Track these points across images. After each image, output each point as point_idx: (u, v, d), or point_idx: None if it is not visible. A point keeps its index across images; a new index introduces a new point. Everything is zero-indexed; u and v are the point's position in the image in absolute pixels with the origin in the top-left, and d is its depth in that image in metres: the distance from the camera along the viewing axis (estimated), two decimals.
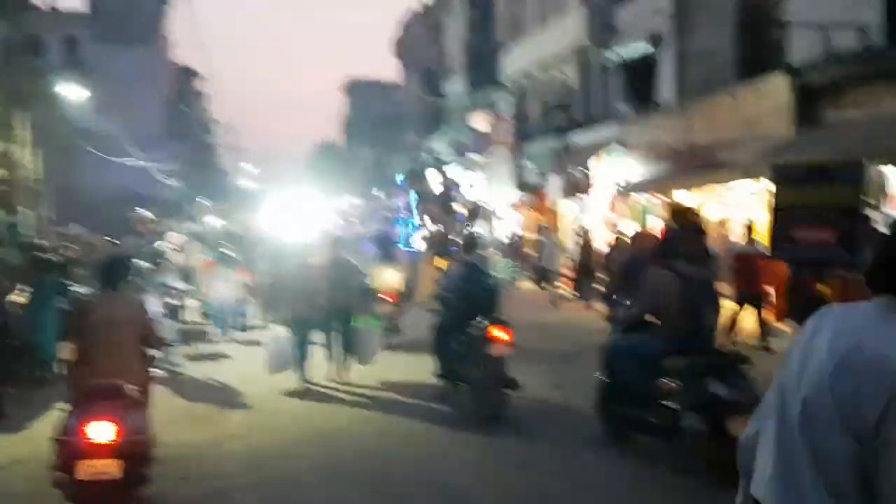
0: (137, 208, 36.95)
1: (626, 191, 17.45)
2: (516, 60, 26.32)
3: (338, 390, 9.14)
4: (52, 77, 20.55)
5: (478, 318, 7.62)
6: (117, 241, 17.58)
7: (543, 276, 20.15)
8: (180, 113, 48.54)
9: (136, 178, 37.59)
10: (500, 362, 7.39)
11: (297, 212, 28.43)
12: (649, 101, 19.65)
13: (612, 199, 18.89)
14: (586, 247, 18.56)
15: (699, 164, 14.93)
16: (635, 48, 19.51)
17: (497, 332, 7.43)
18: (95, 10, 43.63)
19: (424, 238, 17.10)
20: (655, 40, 18.46)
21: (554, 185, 20.65)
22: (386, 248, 13.63)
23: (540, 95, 25.45)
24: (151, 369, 5.85)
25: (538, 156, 23.37)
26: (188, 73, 52.29)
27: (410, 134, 43.64)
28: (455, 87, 34.45)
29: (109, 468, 4.74)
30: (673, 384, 5.73)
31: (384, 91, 56.47)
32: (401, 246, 18.19)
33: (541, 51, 24.15)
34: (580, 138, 21.27)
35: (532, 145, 24.34)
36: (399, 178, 18.30)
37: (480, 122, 29.06)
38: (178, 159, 42.99)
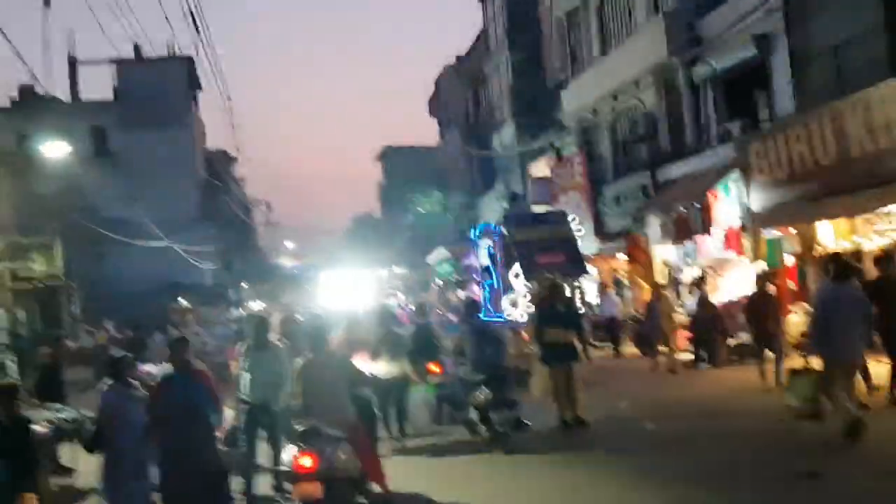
0: (179, 298, 35.14)
1: (754, 224, 14.04)
2: (578, 95, 23.37)
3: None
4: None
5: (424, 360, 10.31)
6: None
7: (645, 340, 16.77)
8: (215, 195, 46.56)
9: (172, 265, 35.28)
10: (437, 386, 10.30)
11: (345, 287, 25.87)
12: (756, 114, 16.48)
13: (732, 237, 15.47)
14: (703, 300, 15.19)
15: (859, 180, 11.54)
16: (733, 56, 16.41)
17: (433, 368, 10.24)
18: (122, 98, 42.14)
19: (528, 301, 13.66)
20: (762, 42, 15.33)
21: (653, 228, 17.29)
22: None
23: (612, 130, 22.34)
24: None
25: (622, 197, 20.11)
26: (221, 155, 50.57)
27: (457, 195, 40.85)
28: (504, 137, 31.64)
29: (312, 491, 6.10)
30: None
31: (420, 155, 54.16)
32: (481, 316, 14.90)
33: (609, 79, 21.15)
34: (674, 170, 18.00)
35: (611, 187, 21.11)
36: (475, 231, 14.88)
37: (542, 169, 25.96)
38: (215, 243, 40.72)
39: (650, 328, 15.15)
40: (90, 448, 6.46)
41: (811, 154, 12.74)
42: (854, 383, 7.95)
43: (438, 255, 31.24)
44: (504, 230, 13.91)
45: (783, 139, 13.53)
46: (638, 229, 18.47)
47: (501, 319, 13.73)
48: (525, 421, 8.65)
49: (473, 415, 9.04)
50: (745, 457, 7.60)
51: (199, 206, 42.07)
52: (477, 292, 16.53)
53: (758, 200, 14.31)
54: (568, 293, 11.75)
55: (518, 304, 13.41)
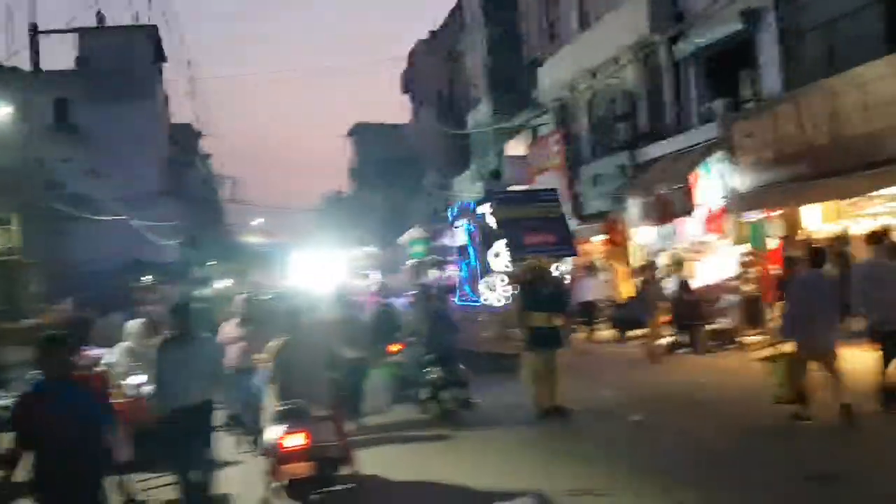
0: (144, 276, 34.17)
1: (739, 206, 13.55)
2: (555, 73, 22.72)
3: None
4: None
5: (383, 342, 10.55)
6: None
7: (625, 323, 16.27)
8: (180, 171, 45.38)
9: (137, 242, 34.25)
10: (396, 366, 10.46)
11: (315, 267, 25.19)
12: (739, 94, 15.98)
13: (714, 220, 15.02)
14: (684, 284, 14.71)
15: (853, 161, 11.09)
16: (717, 32, 15.87)
17: (393, 349, 10.57)
18: (85, 69, 40.72)
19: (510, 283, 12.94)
20: (749, 18, 14.80)
21: (633, 209, 16.76)
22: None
23: (590, 109, 21.77)
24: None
25: (601, 178, 19.57)
26: (187, 131, 49.32)
27: (430, 174, 40.10)
28: (480, 115, 30.93)
29: (303, 469, 6.02)
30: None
31: (391, 133, 53.23)
32: (455, 300, 14.29)
33: (588, 57, 20.54)
34: (654, 150, 17.49)
35: (588, 167, 20.55)
36: (453, 210, 14.06)
37: (518, 148, 25.33)
38: (180, 219, 39.68)
39: (641, 312, 14.63)
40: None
41: (801, 134, 12.28)
42: (836, 372, 7.69)
43: (412, 235, 30.57)
44: (488, 208, 13.10)
45: (771, 118, 13.05)
46: (617, 211, 17.96)
47: (478, 303, 13.09)
48: (474, 399, 9.19)
49: (425, 393, 9.47)
50: (748, 453, 7.07)
51: (164, 182, 40.95)
52: (453, 274, 15.95)
53: (743, 182, 13.84)
54: (555, 275, 11.11)
55: (496, 288, 12.76)
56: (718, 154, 14.73)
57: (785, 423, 7.81)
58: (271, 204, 72.02)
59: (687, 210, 15.06)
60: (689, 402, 9.31)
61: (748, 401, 8.83)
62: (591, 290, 16.88)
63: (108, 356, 8.63)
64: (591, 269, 17.01)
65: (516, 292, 10.64)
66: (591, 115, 21.76)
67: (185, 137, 48.71)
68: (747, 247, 14.66)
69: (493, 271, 12.87)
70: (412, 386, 9.99)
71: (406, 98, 47.91)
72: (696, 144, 15.87)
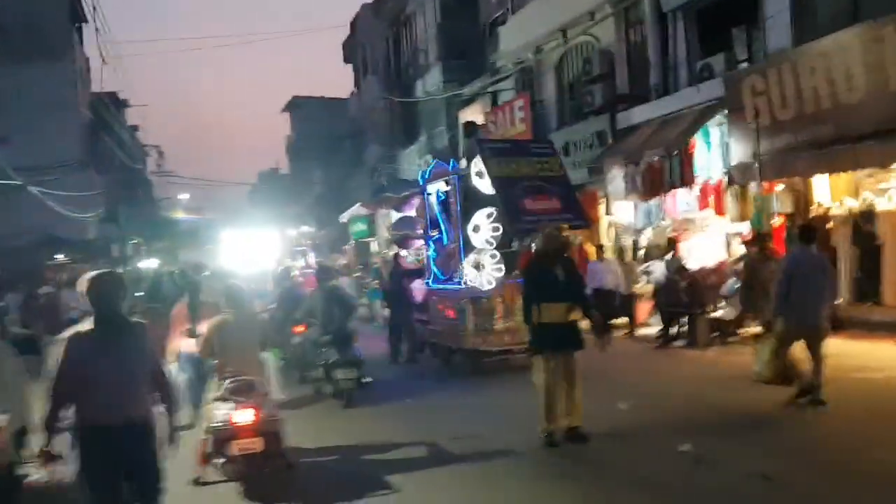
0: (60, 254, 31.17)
1: (747, 177, 11.63)
2: (519, 33, 20.58)
3: None
4: None
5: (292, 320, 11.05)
6: None
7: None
8: (101, 141, 41.96)
9: (52, 217, 31.04)
10: (298, 346, 10.86)
11: (247, 246, 22.96)
12: (733, 51, 14.09)
13: (710, 193, 13.14)
14: (679, 267, 12.76)
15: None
16: None
17: (298, 329, 10.87)
18: None
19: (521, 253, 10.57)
20: None
21: (615, 181, 14.74)
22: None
23: (557, 72, 19.70)
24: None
25: (574, 146, 17.53)
26: (110, 98, 45.71)
27: (373, 147, 37.68)
28: (430, 83, 28.62)
29: (253, 444, 6.04)
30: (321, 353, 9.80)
31: (331, 107, 50.79)
32: (426, 282, 11.97)
33: (558, 12, 18.45)
34: (638, 115, 15.53)
35: (559, 134, 18.49)
36: (425, 172, 11.34)
37: (475, 116, 23.13)
38: (102, 193, 36.58)
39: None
40: None
41: (831, 89, 10.38)
42: (819, 354, 7.44)
43: (353, 213, 28.22)
44: (475, 166, 10.50)
45: (791, 72, 11.11)
46: (593, 182, 15.93)
47: (458, 286, 10.63)
48: (367, 379, 9.47)
49: (319, 373, 9.77)
50: None
51: (83, 152, 37.68)
52: (408, 252, 13.69)
53: (753, 147, 11.87)
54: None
55: (484, 266, 10.33)
56: (719, 116, 12.81)
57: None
58: (202, 177, 68.28)
59: (684, 181, 13.12)
60: (738, 420, 7.24)
61: (817, 421, 6.89)
62: (607, 276, 14.02)
63: None
64: (600, 248, 14.57)
65: (521, 276, 8.20)
66: (559, 78, 19.69)
67: (108, 106, 45.25)
68: (745, 225, 12.85)
69: (474, 248, 10.40)
70: (307, 367, 10.27)
71: (348, 71, 45.27)
72: (689, 107, 13.93)
